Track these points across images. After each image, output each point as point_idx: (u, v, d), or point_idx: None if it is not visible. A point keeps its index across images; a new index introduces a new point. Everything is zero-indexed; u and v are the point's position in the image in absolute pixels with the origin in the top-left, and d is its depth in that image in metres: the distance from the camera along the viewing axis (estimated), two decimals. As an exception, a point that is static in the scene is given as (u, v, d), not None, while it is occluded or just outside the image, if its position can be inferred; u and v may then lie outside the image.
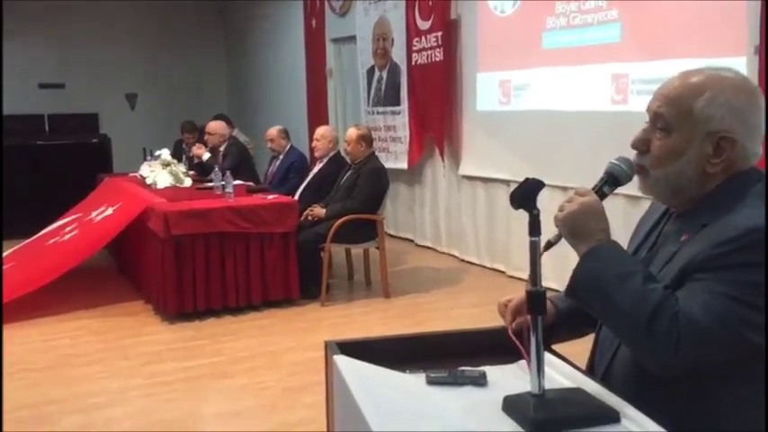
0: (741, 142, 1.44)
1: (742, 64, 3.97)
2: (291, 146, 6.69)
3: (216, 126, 7.30)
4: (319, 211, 5.49)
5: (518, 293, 1.66)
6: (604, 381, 1.50)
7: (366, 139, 5.67)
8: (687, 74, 1.50)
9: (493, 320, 1.75)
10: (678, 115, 1.45)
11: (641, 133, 1.51)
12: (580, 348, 1.71)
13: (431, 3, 6.71)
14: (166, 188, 5.97)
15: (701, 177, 1.46)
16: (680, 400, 1.39)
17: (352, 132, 5.65)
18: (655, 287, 1.37)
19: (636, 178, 1.53)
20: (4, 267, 5.60)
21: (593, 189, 1.49)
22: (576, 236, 1.44)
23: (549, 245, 1.45)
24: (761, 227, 1.34)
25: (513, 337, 1.50)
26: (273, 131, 6.66)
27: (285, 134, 6.68)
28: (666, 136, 1.47)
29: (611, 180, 1.49)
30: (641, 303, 1.34)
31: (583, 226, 1.44)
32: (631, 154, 1.54)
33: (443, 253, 6.93)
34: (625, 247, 1.59)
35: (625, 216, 4.70)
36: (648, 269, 1.45)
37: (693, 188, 1.47)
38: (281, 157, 6.63)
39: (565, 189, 4.93)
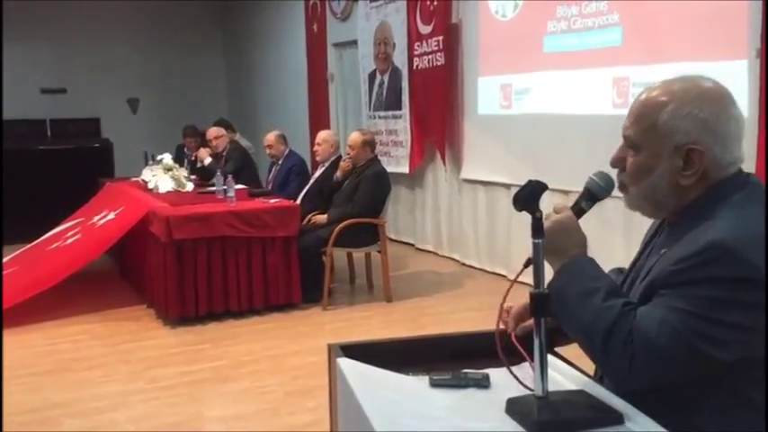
0: (711, 152, 1.41)
1: (743, 67, 3.98)
2: (290, 150, 6.71)
3: (216, 131, 7.35)
4: (320, 218, 5.50)
5: (518, 299, 1.67)
6: (601, 381, 1.50)
7: (370, 144, 5.68)
8: (651, 89, 1.49)
9: (494, 324, 1.75)
10: (643, 132, 1.45)
11: (617, 151, 1.52)
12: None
13: (432, 7, 6.72)
14: (168, 192, 5.99)
15: (676, 190, 1.45)
16: (674, 407, 1.37)
17: (357, 137, 5.65)
18: (613, 304, 1.38)
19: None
20: (7, 272, 5.61)
21: (572, 205, 1.51)
22: (549, 253, 1.45)
23: (529, 262, 1.43)
24: (722, 240, 1.31)
25: (518, 344, 1.50)
26: (271, 137, 6.68)
27: (283, 139, 6.70)
28: (636, 154, 1.48)
29: (589, 195, 1.50)
30: (598, 320, 1.37)
31: (556, 243, 1.45)
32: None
33: (444, 257, 6.94)
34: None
35: (625, 221, 4.71)
36: (617, 284, 1.48)
37: (672, 201, 1.47)
38: (280, 161, 6.65)
39: (566, 193, 4.93)
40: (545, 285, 1.39)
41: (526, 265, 1.43)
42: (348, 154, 5.70)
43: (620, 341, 1.34)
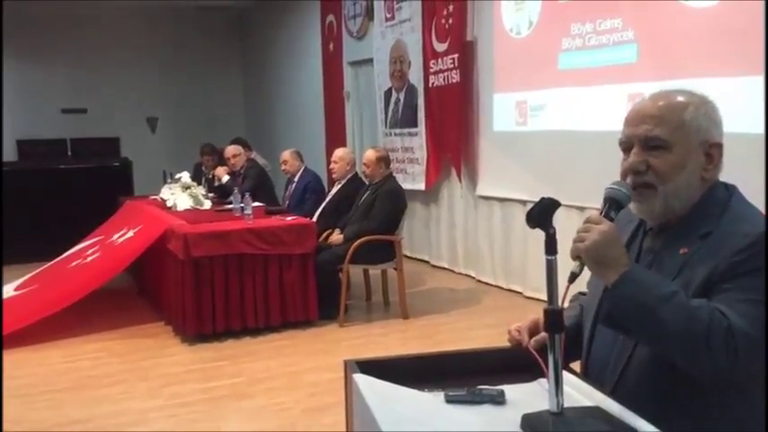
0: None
1: (759, 83, 3.97)
2: (305, 167, 6.76)
3: (234, 149, 7.43)
4: (337, 237, 5.52)
5: (530, 316, 1.69)
6: (613, 396, 1.50)
7: (385, 160, 5.72)
8: (658, 96, 1.58)
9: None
10: (674, 131, 1.52)
11: (636, 156, 1.56)
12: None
13: (447, 25, 6.77)
14: (186, 210, 6.03)
15: (701, 185, 1.54)
16: (695, 415, 1.41)
17: (371, 154, 5.69)
18: (701, 303, 1.40)
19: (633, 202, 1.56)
20: (27, 290, 5.68)
21: (602, 215, 1.51)
22: (602, 265, 1.46)
23: (574, 276, 1.44)
24: None
25: (534, 353, 1.52)
26: (287, 153, 6.75)
27: (298, 156, 6.76)
28: (665, 152, 1.53)
29: (614, 204, 1.52)
30: (694, 321, 1.37)
31: (607, 254, 1.45)
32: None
33: (460, 274, 6.93)
34: None
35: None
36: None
37: (696, 197, 1.54)
38: (295, 179, 6.70)
39: (581, 209, 4.92)
40: (606, 295, 1.40)
41: (571, 280, 1.44)
42: (364, 171, 5.73)
43: (721, 338, 1.35)
